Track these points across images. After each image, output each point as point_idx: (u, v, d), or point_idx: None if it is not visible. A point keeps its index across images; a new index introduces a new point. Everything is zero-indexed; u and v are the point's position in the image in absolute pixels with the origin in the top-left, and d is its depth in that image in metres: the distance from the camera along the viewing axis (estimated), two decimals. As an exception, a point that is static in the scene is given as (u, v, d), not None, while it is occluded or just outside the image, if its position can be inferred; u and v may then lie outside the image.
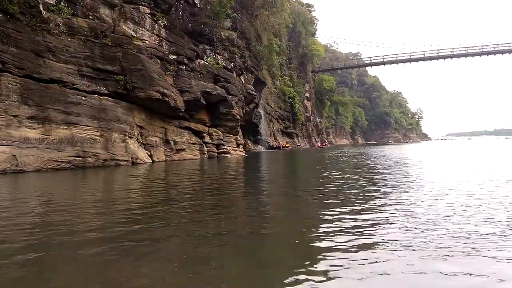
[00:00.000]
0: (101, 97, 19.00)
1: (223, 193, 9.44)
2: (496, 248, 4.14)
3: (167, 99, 21.42)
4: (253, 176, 14.92)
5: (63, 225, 5.50)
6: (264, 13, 39.29)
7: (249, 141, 42.96)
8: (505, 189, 8.76)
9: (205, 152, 26.34)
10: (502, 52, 67.21)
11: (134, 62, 20.29)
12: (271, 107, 52.29)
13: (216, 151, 27.47)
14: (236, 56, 30.75)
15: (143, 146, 21.51)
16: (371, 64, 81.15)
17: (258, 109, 43.00)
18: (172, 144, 23.62)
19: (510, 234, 4.67)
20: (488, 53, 68.32)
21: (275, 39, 46.95)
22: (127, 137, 19.65)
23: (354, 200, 7.56)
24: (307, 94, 72.56)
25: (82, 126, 17.78)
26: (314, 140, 72.06)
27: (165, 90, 21.32)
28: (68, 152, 16.89)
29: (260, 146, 45.16)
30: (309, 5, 74.48)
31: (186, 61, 24.71)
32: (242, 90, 31.43)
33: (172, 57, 23.79)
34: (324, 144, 72.90)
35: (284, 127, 57.24)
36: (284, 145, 52.88)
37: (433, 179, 11.46)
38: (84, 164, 17.44)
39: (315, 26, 77.55)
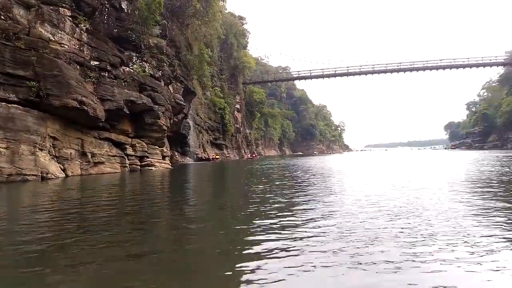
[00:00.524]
0: (10, 105, 17.02)
1: (144, 211, 8.66)
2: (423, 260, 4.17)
3: (86, 108, 19.89)
4: (178, 191, 14.20)
5: None
6: (196, 22, 38.65)
7: (176, 153, 41.77)
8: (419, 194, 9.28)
9: (127, 165, 24.87)
10: (417, 69, 73.31)
11: (50, 67, 18.57)
12: (201, 118, 51.58)
13: (139, 163, 26.09)
14: (165, 64, 29.74)
15: (55, 159, 19.67)
16: (299, 78, 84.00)
17: (187, 119, 42.08)
18: (90, 156, 21.94)
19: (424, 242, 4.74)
20: (404, 70, 73.96)
21: (206, 49, 46.52)
22: (37, 149, 17.80)
23: (281, 213, 7.47)
24: (238, 106, 72.97)
25: (-18, 137, 15.75)
26: (243, 151, 72.42)
27: (84, 98, 19.79)
28: (-36, 166, 14.85)
29: (188, 158, 44.13)
30: (241, 18, 75.18)
31: (109, 68, 23.25)
32: (170, 99, 30.41)
33: (94, 63, 22.24)
34: (253, 155, 73.64)
35: (213, 138, 56.74)
36: (214, 157, 52.39)
37: (354, 188, 12.12)
38: (-17, 179, 15.42)
39: (247, 38, 78.51)
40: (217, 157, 53.79)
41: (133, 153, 25.83)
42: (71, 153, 20.69)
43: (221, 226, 6.63)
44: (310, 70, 79.09)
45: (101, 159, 22.95)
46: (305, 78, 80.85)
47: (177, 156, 41.17)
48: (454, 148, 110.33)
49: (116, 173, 23.54)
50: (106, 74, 23.08)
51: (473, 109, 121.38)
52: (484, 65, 70.86)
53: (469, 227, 5.87)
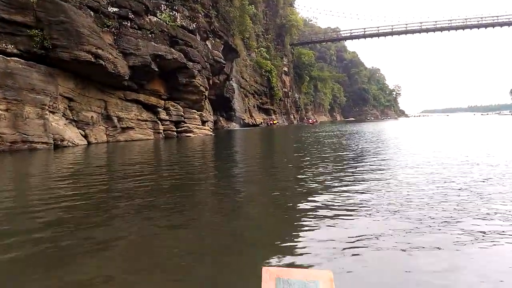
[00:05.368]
0: (8, 58, 14.16)
1: (181, 186, 6.84)
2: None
3: (103, 63, 16.70)
4: (222, 163, 10.74)
5: None
6: (235, -29, 33.99)
7: (221, 118, 38.63)
8: None
9: (161, 130, 21.77)
10: (486, 26, 63.99)
11: (55, 12, 15.42)
12: (246, 80, 47.53)
13: (175, 129, 22.90)
14: (200, 15, 25.79)
15: (74, 123, 16.86)
16: (351, 37, 76.72)
17: (231, 82, 38.44)
18: (116, 121, 19.02)
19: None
20: (471, 27, 64.92)
21: (250, 6, 41.95)
22: (46, 112, 14.90)
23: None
24: (285, 68, 67.85)
25: (-24, 97, 13.01)
26: (292, 116, 68.34)
27: (100, 51, 16.56)
28: (-47, 132, 12.23)
29: (233, 124, 40.89)
30: (287, -28, 68.86)
31: (131, 16, 19.70)
32: (207, 57, 26.60)
33: (113, 9, 18.81)
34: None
35: (260, 103, 52.79)
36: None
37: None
38: (-19, 148, 12.81)
39: (294, -6, 72.27)
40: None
41: (167, 117, 22.66)
42: (92, 116, 17.81)
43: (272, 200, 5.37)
44: (364, 28, 71.98)
45: (130, 124, 20.02)
46: (358, 37, 73.77)
47: (222, 122, 38.08)
48: None
49: (148, 139, 20.62)
50: (128, 24, 19.61)
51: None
52: None
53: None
